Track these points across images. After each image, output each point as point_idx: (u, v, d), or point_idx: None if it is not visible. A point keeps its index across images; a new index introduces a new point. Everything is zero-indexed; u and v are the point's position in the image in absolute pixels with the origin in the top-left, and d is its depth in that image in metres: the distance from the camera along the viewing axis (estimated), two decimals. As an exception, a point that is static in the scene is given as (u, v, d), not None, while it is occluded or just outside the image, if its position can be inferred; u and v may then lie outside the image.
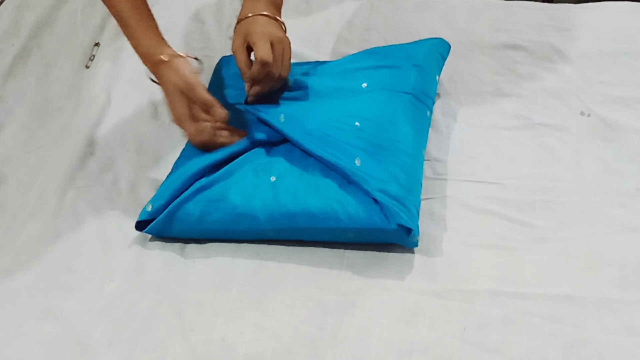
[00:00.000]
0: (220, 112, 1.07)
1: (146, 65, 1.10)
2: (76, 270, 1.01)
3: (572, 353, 0.86)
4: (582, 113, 1.17)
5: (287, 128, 1.04)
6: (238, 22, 1.13)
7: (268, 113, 1.08)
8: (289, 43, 1.11)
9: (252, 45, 1.08)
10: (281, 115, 1.06)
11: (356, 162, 0.98)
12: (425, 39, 1.21)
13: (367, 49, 1.21)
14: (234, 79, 1.18)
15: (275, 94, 1.13)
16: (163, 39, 1.11)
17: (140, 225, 1.03)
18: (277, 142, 1.06)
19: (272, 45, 1.07)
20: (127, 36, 1.11)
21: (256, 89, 1.10)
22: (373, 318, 0.92)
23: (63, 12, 1.44)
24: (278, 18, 1.13)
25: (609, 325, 0.89)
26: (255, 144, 1.06)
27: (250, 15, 1.12)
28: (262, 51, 1.06)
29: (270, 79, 1.09)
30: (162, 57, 1.07)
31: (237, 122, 1.11)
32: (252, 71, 1.08)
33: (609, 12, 1.35)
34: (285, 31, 1.14)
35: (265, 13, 1.12)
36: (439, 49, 1.20)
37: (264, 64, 1.06)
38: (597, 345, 0.87)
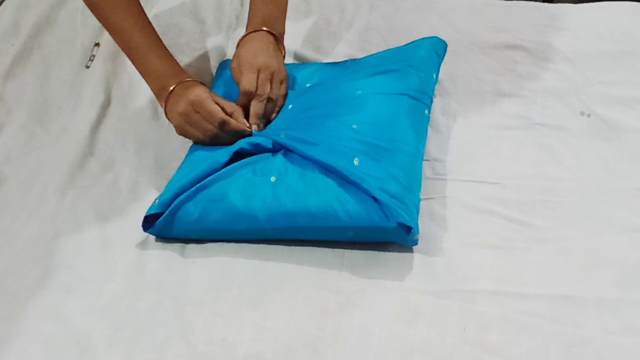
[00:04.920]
0: (235, 124, 1.09)
1: (160, 90, 1.12)
2: (76, 270, 1.01)
3: (572, 353, 0.87)
4: (582, 113, 1.17)
5: (288, 142, 1.04)
6: (241, 39, 1.17)
7: (268, 134, 1.08)
8: (278, 68, 1.14)
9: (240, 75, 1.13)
10: (281, 134, 1.07)
11: (354, 162, 0.98)
12: (420, 39, 1.21)
13: (361, 58, 1.21)
14: (234, 82, 1.18)
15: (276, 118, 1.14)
16: (178, 64, 1.15)
17: (147, 222, 1.03)
18: (278, 149, 1.07)
19: (258, 72, 1.12)
20: (138, 65, 1.13)
21: (254, 115, 1.12)
22: (373, 318, 0.92)
23: (63, 12, 1.44)
24: (275, 34, 1.17)
25: (609, 325, 0.89)
26: (259, 148, 1.06)
27: (248, 33, 1.17)
28: (244, 82, 1.11)
29: (259, 104, 1.12)
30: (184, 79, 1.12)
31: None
32: (238, 101, 1.12)
33: (609, 12, 1.35)
34: (283, 51, 1.18)
35: (265, 29, 1.16)
36: (434, 48, 1.19)
37: (246, 94, 1.11)
38: (597, 345, 0.87)
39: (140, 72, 1.14)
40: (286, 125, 1.09)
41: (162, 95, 1.12)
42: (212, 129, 1.08)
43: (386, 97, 1.09)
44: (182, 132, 1.11)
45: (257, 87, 1.11)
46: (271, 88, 1.12)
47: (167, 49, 1.14)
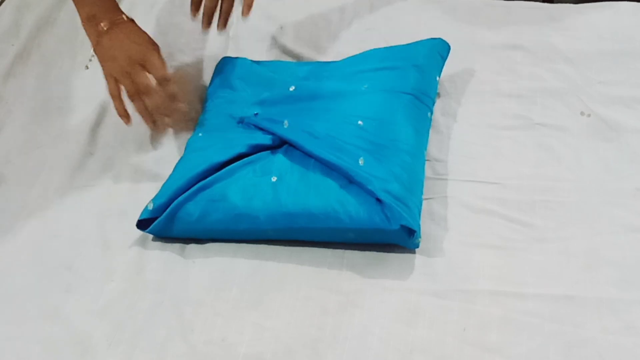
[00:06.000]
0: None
1: (95, 28, 1.11)
2: (76, 270, 1.01)
3: (572, 353, 0.87)
4: (582, 113, 1.17)
5: (291, 134, 1.04)
6: None
7: (271, 121, 1.08)
8: None
9: None
10: (284, 122, 1.06)
11: (360, 162, 0.98)
12: (425, 40, 1.21)
13: (367, 51, 1.21)
14: (235, 81, 1.18)
15: (278, 100, 1.13)
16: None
17: (141, 224, 1.03)
18: (279, 145, 1.06)
19: None
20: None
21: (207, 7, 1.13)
22: (373, 318, 0.92)
23: (63, 12, 1.44)
24: None
25: (609, 325, 0.89)
26: (258, 148, 1.06)
27: None
28: None
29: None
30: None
31: (235, 128, 1.11)
32: (205, 4, 1.13)
33: (609, 12, 1.35)
34: None
35: None
36: (438, 49, 1.19)
37: None
38: (597, 345, 0.87)
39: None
40: (289, 112, 1.08)
41: (110, 18, 1.11)
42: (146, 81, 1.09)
43: (391, 95, 1.08)
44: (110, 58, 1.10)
45: None
46: None
47: None
